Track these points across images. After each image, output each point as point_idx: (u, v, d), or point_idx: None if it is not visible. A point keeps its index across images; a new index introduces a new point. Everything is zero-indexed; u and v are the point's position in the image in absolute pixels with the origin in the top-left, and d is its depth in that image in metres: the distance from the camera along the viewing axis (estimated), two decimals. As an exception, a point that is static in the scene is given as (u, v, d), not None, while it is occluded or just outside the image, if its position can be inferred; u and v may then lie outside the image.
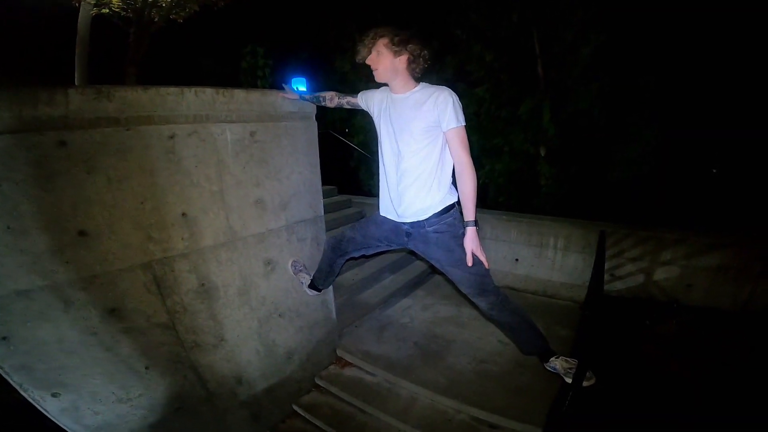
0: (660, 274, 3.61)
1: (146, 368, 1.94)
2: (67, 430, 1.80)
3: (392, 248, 2.10)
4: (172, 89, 1.84)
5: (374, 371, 2.82)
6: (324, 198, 4.79)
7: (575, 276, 3.87)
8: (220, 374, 2.23)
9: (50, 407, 1.71)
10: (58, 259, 1.63)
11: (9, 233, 1.52)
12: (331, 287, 2.84)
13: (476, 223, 1.73)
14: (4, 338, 1.56)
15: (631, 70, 4.61)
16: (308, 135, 2.48)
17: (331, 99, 2.19)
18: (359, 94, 2.03)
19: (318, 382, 2.84)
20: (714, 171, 5.59)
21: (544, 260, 4.05)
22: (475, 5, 5.09)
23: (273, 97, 2.27)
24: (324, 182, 4.97)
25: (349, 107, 2.13)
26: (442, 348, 3.05)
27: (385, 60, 1.72)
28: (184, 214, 1.94)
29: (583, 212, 4.22)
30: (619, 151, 4.79)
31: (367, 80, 6.52)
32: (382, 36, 1.70)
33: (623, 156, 4.77)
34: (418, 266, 4.34)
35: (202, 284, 2.05)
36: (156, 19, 6.04)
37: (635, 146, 4.68)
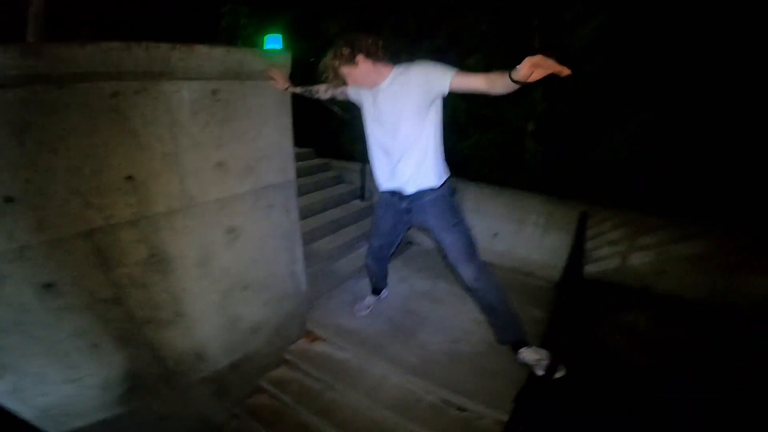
0: (636, 259, 3.57)
1: (94, 346, 1.78)
2: (17, 412, 1.65)
3: (407, 228, 2.35)
4: (116, 44, 1.54)
5: (345, 346, 2.74)
6: (300, 161, 4.64)
7: (554, 255, 3.82)
8: (179, 351, 2.09)
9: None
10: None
11: None
12: (301, 256, 2.69)
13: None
14: None
15: (631, 53, 4.37)
16: (279, 95, 2.21)
17: (325, 91, 2.20)
18: (349, 88, 2.05)
19: (287, 356, 2.74)
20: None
21: (523, 236, 3.97)
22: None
23: (240, 54, 1.98)
24: (300, 144, 4.70)
25: (342, 98, 2.18)
26: (416, 324, 2.99)
27: (354, 73, 1.85)
28: (130, 178, 1.70)
29: (568, 192, 4.12)
30: (608, 132, 4.65)
31: None
32: (336, 66, 1.84)
33: (611, 137, 4.63)
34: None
35: (154, 255, 1.85)
36: None
37: (628, 128, 4.53)
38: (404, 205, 2.10)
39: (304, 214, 3.83)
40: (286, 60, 2.24)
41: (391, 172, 2.01)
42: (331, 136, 4.73)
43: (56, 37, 3.93)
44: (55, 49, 1.46)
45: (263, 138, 2.17)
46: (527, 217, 3.91)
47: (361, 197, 4.52)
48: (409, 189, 2.00)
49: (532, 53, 1.39)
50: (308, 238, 3.60)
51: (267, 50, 2.18)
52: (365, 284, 3.49)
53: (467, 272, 2.10)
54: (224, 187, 2.05)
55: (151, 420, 2.09)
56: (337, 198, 4.33)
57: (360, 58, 1.79)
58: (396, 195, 2.12)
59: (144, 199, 1.77)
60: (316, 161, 4.81)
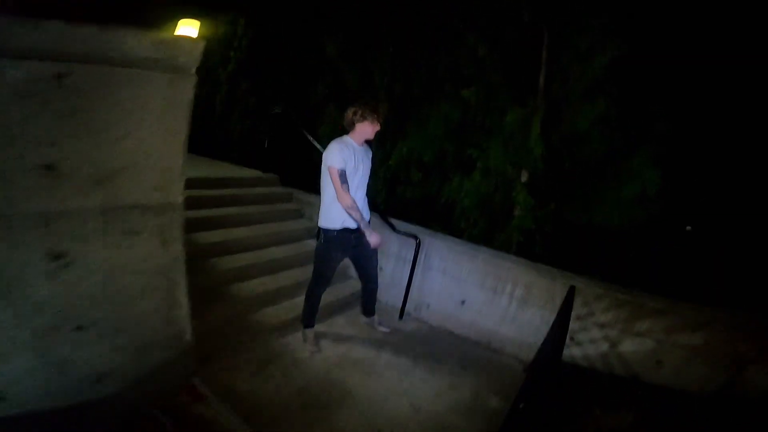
0: (628, 346, 2.92)
1: None
2: None
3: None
4: None
5: (229, 416, 2.11)
6: (261, 187, 4.19)
7: (528, 332, 3.16)
8: None
9: None
10: None
11: None
12: (185, 300, 2.13)
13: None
14: None
15: (647, 93, 3.88)
16: (172, 92, 1.75)
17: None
18: (339, 168, 2.42)
19: (154, 412, 2.11)
20: (688, 228, 4.88)
21: (495, 308, 3.32)
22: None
23: (117, 35, 1.55)
24: (266, 168, 4.22)
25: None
26: (332, 401, 2.35)
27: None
28: None
29: (555, 259, 3.51)
30: (613, 189, 4.05)
31: (353, 67, 5.91)
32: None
33: (616, 195, 4.03)
34: (352, 285, 3.60)
35: None
36: None
37: (632, 186, 3.94)
38: (355, 233, 2.62)
39: (242, 247, 3.31)
40: (195, 50, 1.80)
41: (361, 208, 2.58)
42: (312, 168, 4.26)
43: None
44: None
45: (131, 141, 1.67)
46: (503, 287, 3.29)
47: (317, 236, 3.93)
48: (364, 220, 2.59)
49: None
50: (236, 275, 3.06)
51: (164, 35, 1.74)
52: (292, 339, 2.89)
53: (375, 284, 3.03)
54: (50, 198, 1.52)
55: None
56: (289, 234, 3.79)
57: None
58: (350, 231, 2.60)
59: None
60: (278, 189, 4.34)
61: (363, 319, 3.24)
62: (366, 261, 2.85)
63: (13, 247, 1.49)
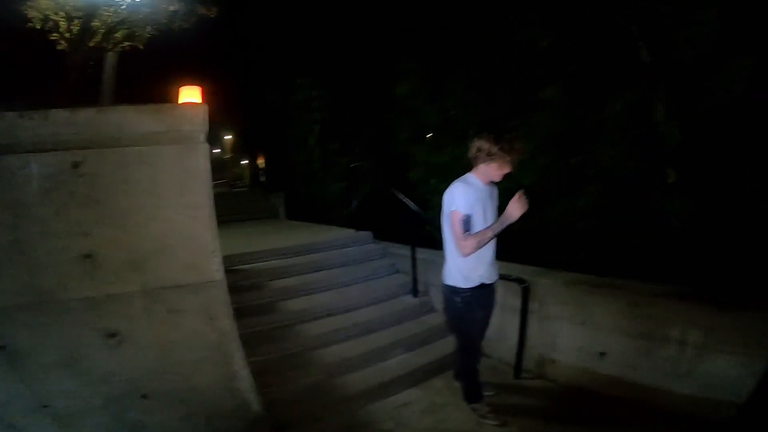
0: None
1: None
2: None
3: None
4: None
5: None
6: (352, 246, 4.11)
7: (717, 388, 2.09)
8: None
9: None
10: None
11: None
12: (246, 372, 2.04)
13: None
14: None
15: None
16: (187, 163, 1.80)
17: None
18: (464, 214, 2.02)
19: None
20: None
21: (655, 359, 2.34)
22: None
23: (116, 115, 1.71)
24: (359, 226, 4.08)
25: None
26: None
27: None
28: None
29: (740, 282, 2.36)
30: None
31: (427, 106, 5.69)
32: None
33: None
34: (448, 345, 3.03)
35: (4, 346, 1.57)
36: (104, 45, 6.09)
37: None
38: (490, 294, 2.31)
39: (329, 311, 3.19)
40: (199, 116, 1.83)
41: (492, 262, 2.22)
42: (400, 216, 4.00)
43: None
44: None
45: (158, 223, 1.74)
46: (665, 331, 2.35)
47: (414, 292, 3.60)
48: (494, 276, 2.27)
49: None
50: (322, 341, 2.93)
51: (162, 106, 1.85)
52: (377, 408, 2.53)
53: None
54: (93, 284, 1.66)
55: None
56: (383, 292, 3.56)
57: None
58: (486, 287, 2.22)
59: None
60: (370, 246, 4.21)
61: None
62: (488, 318, 2.40)
63: (72, 326, 1.67)
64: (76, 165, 1.61)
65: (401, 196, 3.90)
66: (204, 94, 2.75)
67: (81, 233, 1.63)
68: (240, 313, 2.77)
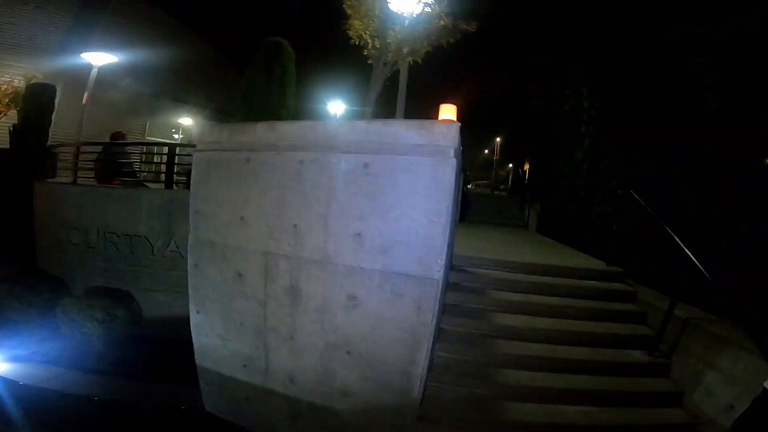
0: None
1: (240, 324, 2.55)
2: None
3: None
4: (306, 123, 2.29)
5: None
6: (594, 280, 3.58)
7: None
8: (280, 363, 2.52)
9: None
10: (226, 231, 2.52)
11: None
12: (425, 363, 2.30)
13: None
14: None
15: None
16: (436, 174, 2.08)
17: None
18: None
19: None
20: None
21: None
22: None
23: (396, 127, 2.15)
24: (612, 260, 3.85)
25: None
26: None
27: None
28: (295, 226, 2.32)
29: None
30: None
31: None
32: None
33: None
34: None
35: (292, 285, 2.36)
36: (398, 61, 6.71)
37: None
38: None
39: (538, 338, 3.02)
40: (452, 133, 2.09)
41: None
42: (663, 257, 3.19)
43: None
44: (281, 126, 2.37)
45: (406, 220, 2.13)
46: None
47: (652, 349, 2.91)
48: None
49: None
50: (513, 362, 2.83)
51: (424, 121, 2.19)
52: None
53: None
54: (355, 257, 2.22)
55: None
56: (610, 338, 3.06)
57: None
58: None
59: (298, 244, 2.31)
60: (611, 285, 3.61)
61: None
62: None
63: (331, 285, 2.31)
64: (366, 165, 2.17)
65: (671, 232, 3.06)
66: (460, 107, 3.04)
67: (358, 217, 2.21)
68: (452, 311, 3.06)
